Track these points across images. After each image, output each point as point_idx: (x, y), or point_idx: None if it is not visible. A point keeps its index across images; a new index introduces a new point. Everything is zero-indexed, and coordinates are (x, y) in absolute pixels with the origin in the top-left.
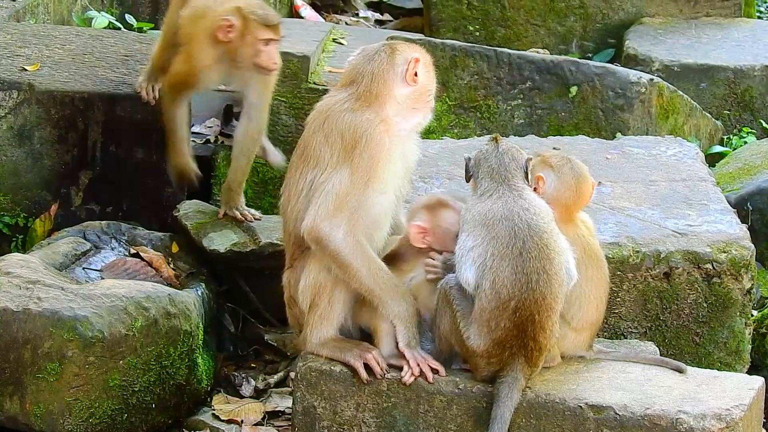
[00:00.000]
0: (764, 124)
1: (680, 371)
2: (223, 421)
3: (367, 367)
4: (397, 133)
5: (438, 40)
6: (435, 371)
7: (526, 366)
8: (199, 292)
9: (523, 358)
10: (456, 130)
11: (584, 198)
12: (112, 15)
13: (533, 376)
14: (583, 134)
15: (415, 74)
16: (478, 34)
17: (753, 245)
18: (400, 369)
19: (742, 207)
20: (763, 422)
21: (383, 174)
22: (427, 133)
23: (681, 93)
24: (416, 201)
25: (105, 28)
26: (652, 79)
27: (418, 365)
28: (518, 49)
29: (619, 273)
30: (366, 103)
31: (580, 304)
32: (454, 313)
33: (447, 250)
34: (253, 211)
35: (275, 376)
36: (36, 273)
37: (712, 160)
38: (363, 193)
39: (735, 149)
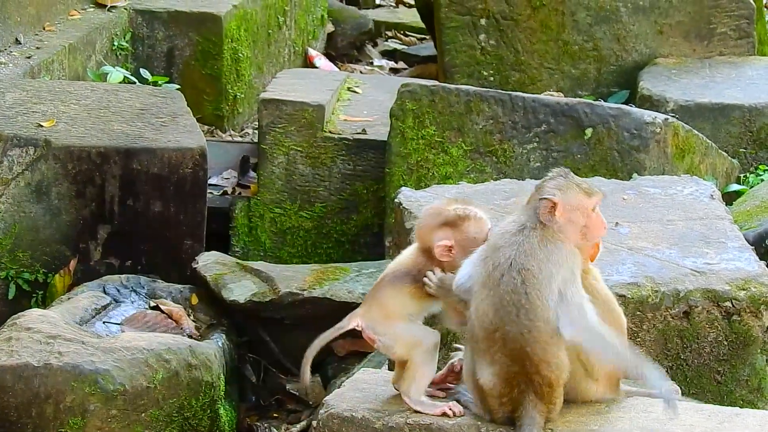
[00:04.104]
0: None
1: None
2: None
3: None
4: None
5: (452, 86)
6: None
7: (540, 403)
8: (220, 343)
9: (533, 394)
10: (472, 175)
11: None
12: (126, 69)
13: (553, 415)
14: (600, 176)
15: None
16: (492, 79)
17: None
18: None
19: (760, 244)
20: None
21: None
22: (444, 179)
23: (696, 132)
24: (429, 211)
25: (120, 82)
26: (667, 119)
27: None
28: (533, 93)
29: (638, 313)
30: None
31: None
32: (470, 352)
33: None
34: None
35: (298, 426)
36: (56, 328)
37: (729, 198)
38: None
39: (752, 187)
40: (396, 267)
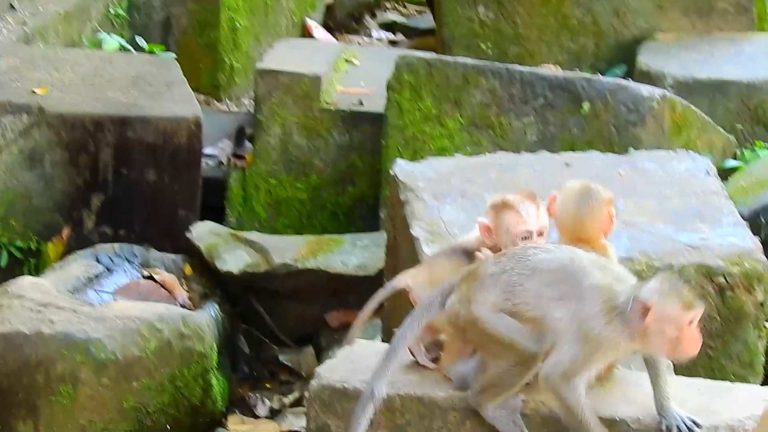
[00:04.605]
0: None
1: None
2: None
3: None
4: None
5: (450, 58)
6: None
7: None
8: (213, 314)
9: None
10: (469, 148)
11: (587, 227)
12: (122, 37)
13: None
14: (596, 150)
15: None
16: (490, 52)
17: (766, 258)
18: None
19: (755, 220)
20: None
21: None
22: (440, 152)
23: (693, 108)
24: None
25: (116, 50)
26: (664, 94)
27: None
28: (531, 67)
29: None
30: None
31: None
32: None
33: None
34: None
35: (290, 396)
36: (48, 296)
37: (725, 174)
38: None
39: (748, 163)
40: (460, 241)
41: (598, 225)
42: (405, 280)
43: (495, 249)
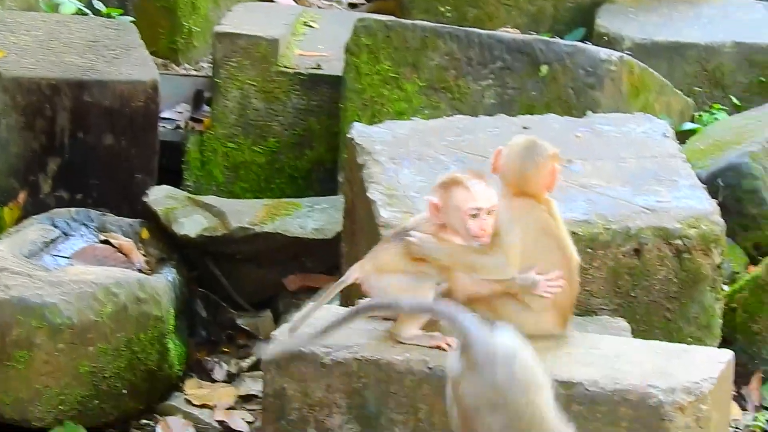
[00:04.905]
0: (735, 101)
1: None
2: (195, 405)
3: None
4: None
5: (408, 21)
6: None
7: None
8: (170, 278)
9: None
10: (427, 111)
11: (530, 181)
12: (80, 1)
13: None
14: (555, 113)
15: None
16: (449, 15)
17: (723, 220)
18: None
19: (712, 183)
20: (733, 395)
21: None
22: (398, 115)
23: (651, 70)
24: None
25: (73, 14)
26: (622, 57)
27: None
28: (490, 30)
29: (589, 250)
30: None
31: None
32: None
33: (454, 229)
34: None
35: (248, 360)
36: (3, 261)
37: (683, 137)
38: None
39: (706, 126)
40: (406, 223)
41: (542, 180)
42: (353, 274)
43: (443, 228)
